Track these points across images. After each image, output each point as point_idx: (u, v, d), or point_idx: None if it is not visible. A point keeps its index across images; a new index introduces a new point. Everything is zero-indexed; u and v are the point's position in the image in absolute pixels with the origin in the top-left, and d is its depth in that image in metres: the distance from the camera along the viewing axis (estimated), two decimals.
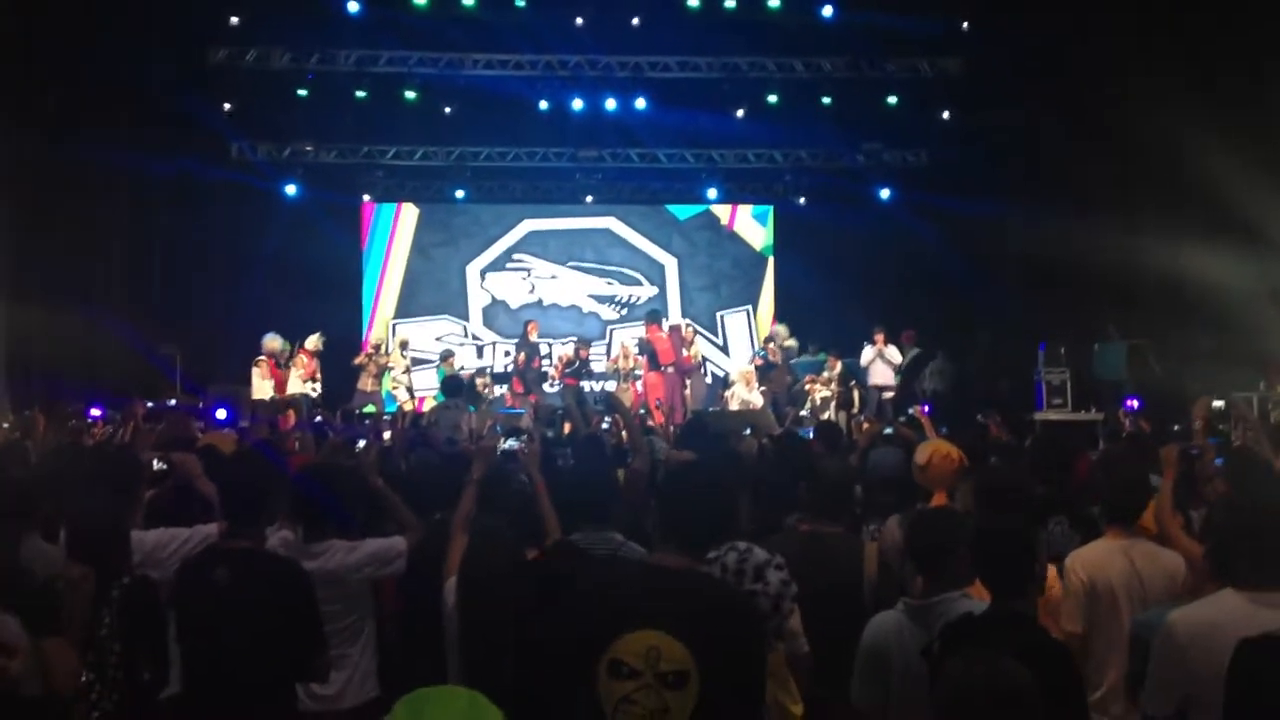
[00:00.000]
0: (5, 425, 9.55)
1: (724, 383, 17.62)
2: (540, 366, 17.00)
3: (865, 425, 11.62)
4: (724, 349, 19.94)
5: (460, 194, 19.46)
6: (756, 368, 16.54)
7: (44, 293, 13.69)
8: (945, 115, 18.03)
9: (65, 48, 14.03)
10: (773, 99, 17.84)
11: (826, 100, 18.01)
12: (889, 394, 16.03)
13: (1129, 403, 12.62)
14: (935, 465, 5.44)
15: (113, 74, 14.67)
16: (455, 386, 13.12)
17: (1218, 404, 5.64)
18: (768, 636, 3.17)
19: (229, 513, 4.21)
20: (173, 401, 11.77)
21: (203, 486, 5.02)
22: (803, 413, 13.37)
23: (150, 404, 8.90)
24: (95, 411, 11.09)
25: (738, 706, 3.02)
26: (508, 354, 17.86)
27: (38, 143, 13.58)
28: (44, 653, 3.22)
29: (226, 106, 17.18)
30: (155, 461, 5.56)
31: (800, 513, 4.83)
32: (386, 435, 9.10)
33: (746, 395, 15.79)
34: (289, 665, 3.89)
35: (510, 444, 5.53)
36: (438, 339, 19.41)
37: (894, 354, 16.30)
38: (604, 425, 9.73)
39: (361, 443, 6.29)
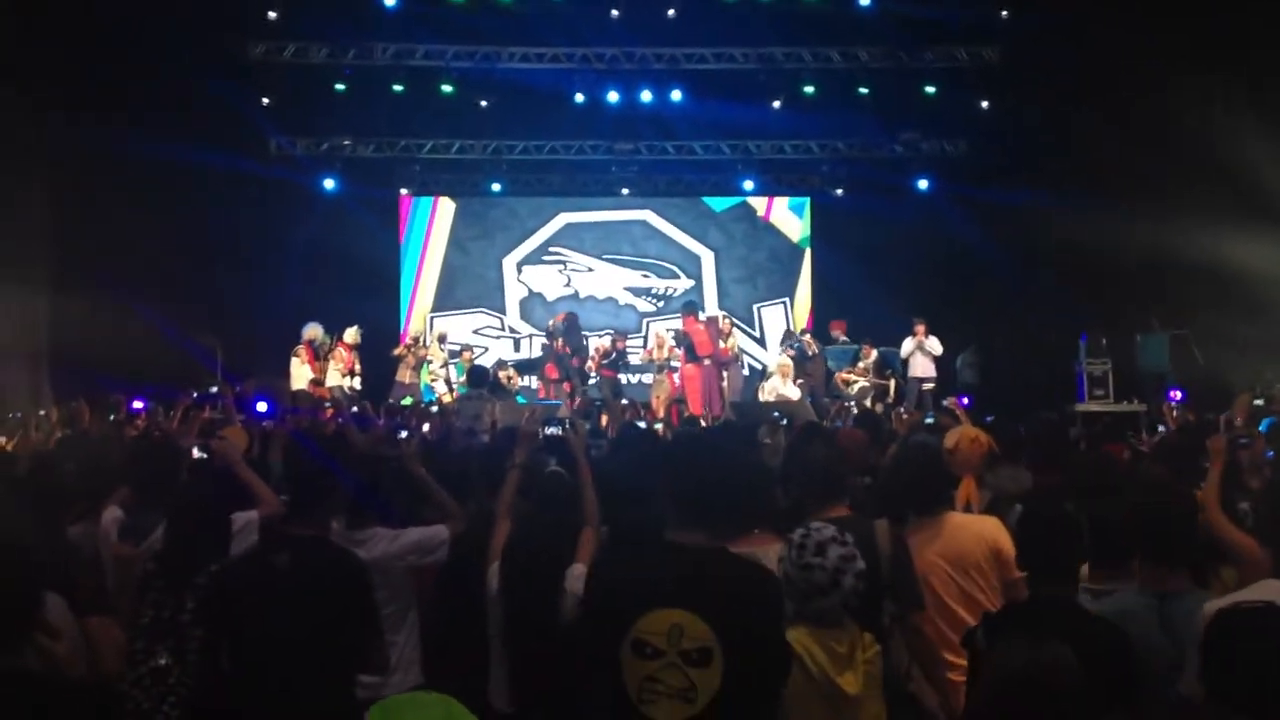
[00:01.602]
0: (52, 417, 9.65)
1: (761, 375, 17.57)
2: (581, 361, 16.95)
3: (905, 416, 11.57)
4: (760, 341, 19.87)
5: (496, 187, 19.50)
6: (792, 359, 16.48)
7: (85, 285, 13.85)
8: (984, 104, 17.86)
9: (107, 40, 14.18)
10: (809, 89, 17.76)
11: (864, 90, 17.90)
12: (929, 385, 15.93)
13: (1172, 394, 12.49)
14: (963, 449, 5.46)
15: (153, 67, 14.81)
16: (480, 377, 13.17)
17: (1258, 401, 5.58)
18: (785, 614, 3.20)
19: (295, 500, 4.22)
20: (214, 390, 11.87)
21: (241, 472, 5.06)
22: (848, 404, 13.26)
23: (196, 395, 8.97)
24: (138, 404, 11.19)
25: (761, 683, 3.05)
26: (544, 347, 17.87)
27: (78, 135, 13.73)
28: (91, 631, 3.25)
29: (265, 101, 17.29)
30: (195, 449, 5.60)
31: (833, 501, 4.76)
32: (425, 427, 9.16)
33: (782, 388, 15.72)
34: (346, 654, 3.88)
35: (553, 430, 5.52)
36: (475, 332, 19.49)
37: (935, 345, 16.20)
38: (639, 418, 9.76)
39: (404, 434, 6.34)
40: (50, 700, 2.55)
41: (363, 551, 4.41)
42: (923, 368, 16.18)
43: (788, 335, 18.01)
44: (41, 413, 10.18)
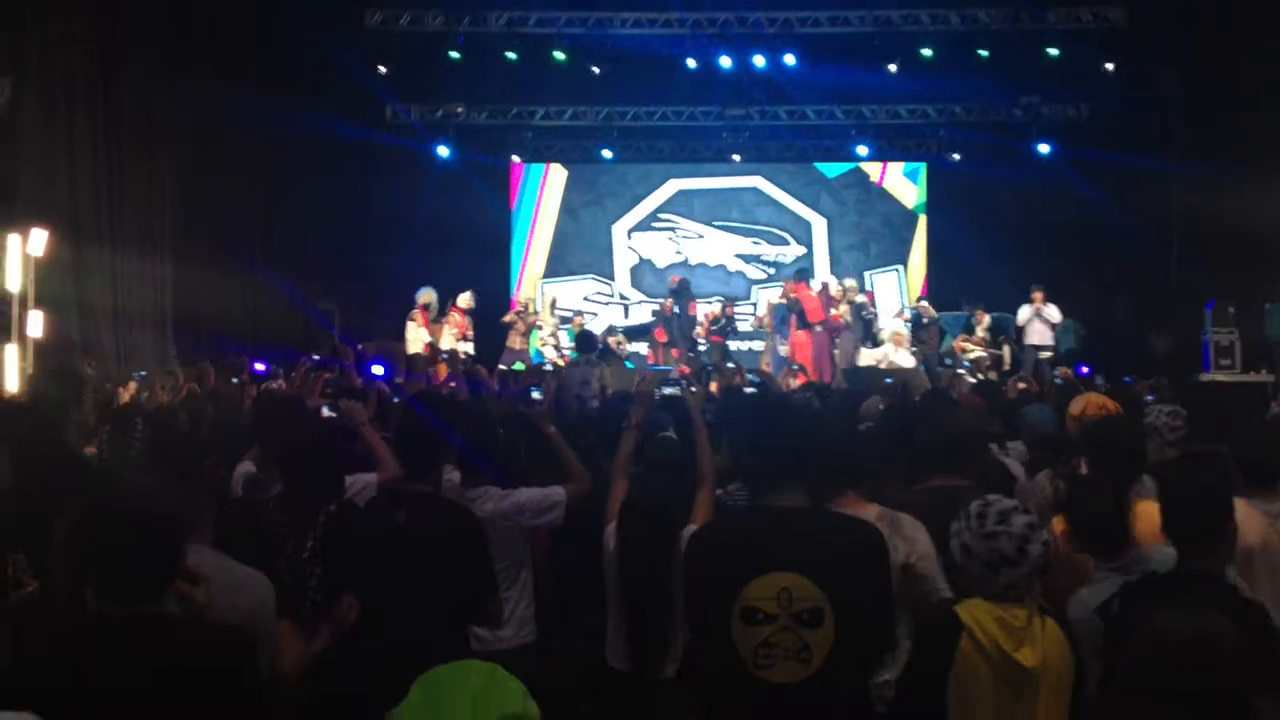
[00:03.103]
0: (179, 377, 9.97)
1: (874, 342, 17.34)
2: (695, 314, 16.93)
3: (1020, 384, 11.36)
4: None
5: (608, 154, 19.52)
6: (908, 323, 16.26)
7: (208, 251, 14.24)
8: (1108, 67, 17.29)
9: (227, 10, 14.51)
10: (927, 52, 17.37)
11: (983, 53, 17.45)
12: (1046, 354, 15.59)
13: None
14: (1090, 417, 5.27)
15: (272, 37, 15.13)
16: (588, 342, 13.19)
17: None
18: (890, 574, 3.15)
19: (406, 458, 4.31)
20: (335, 348, 12.20)
21: (367, 435, 5.15)
22: (960, 370, 13.05)
23: (316, 357, 9.20)
24: (260, 366, 11.50)
25: (873, 641, 3.05)
26: (655, 313, 17.89)
27: (201, 103, 14.09)
28: (277, 632, 3.35)
29: (381, 69, 17.53)
30: (324, 409, 5.71)
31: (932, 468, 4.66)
32: (535, 394, 9.24)
33: (895, 356, 15.53)
34: (461, 607, 3.97)
35: (670, 390, 5.52)
36: (585, 298, 19.60)
37: (1053, 313, 15.83)
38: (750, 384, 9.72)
39: (536, 393, 6.42)
40: (187, 643, 2.64)
41: (472, 509, 4.49)
42: (1040, 335, 15.82)
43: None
44: (169, 372, 10.53)
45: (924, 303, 17.16)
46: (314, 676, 3.65)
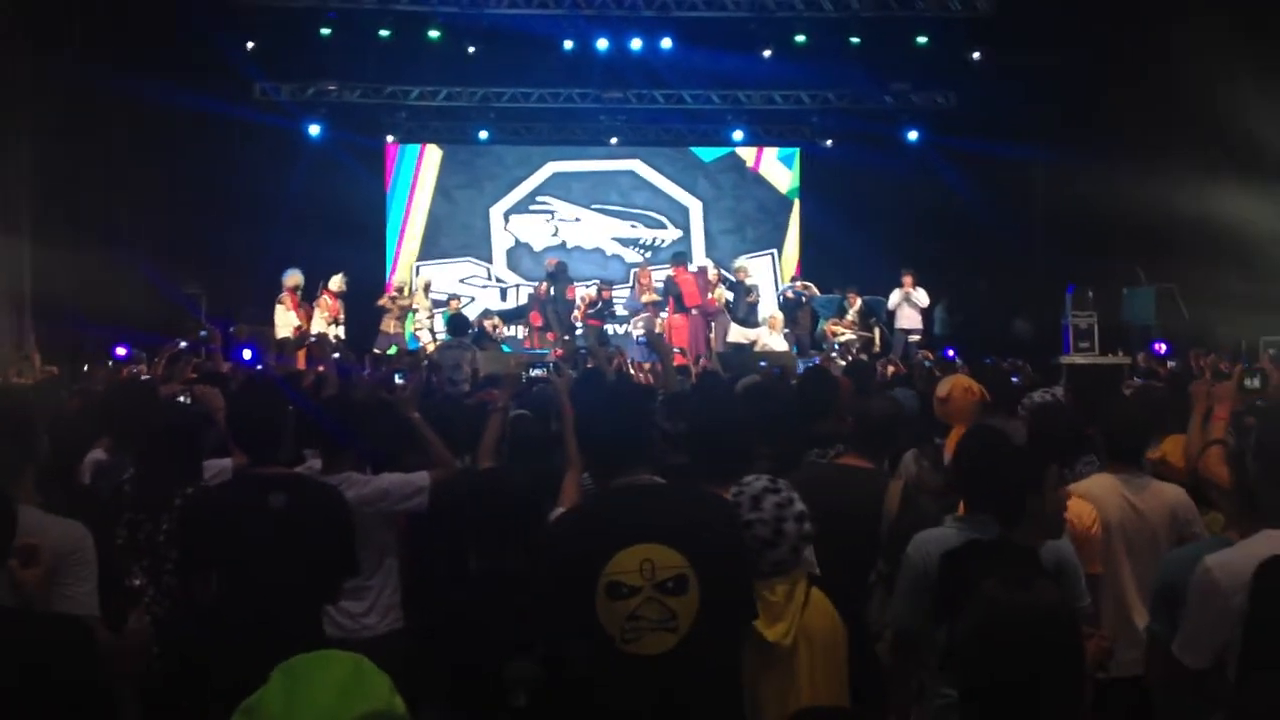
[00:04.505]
0: (35, 362, 9.60)
1: (754, 323, 17.52)
2: (573, 298, 16.90)
3: (890, 368, 11.60)
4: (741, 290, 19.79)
5: (484, 135, 19.34)
6: (785, 300, 16.47)
7: (68, 231, 13.70)
8: (975, 55, 17.70)
9: None
10: (800, 39, 17.53)
11: (855, 40, 17.69)
12: (915, 337, 15.97)
13: (1156, 347, 12.51)
14: (956, 398, 5.41)
15: (136, 8, 14.59)
16: (460, 325, 13.05)
17: (1251, 382, 5.50)
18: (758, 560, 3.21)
19: (242, 444, 4.23)
20: (204, 334, 11.85)
21: (223, 420, 5.03)
22: (832, 354, 13.27)
23: (184, 344, 8.93)
24: (120, 350, 11.14)
25: (736, 607, 3.09)
26: (530, 296, 17.80)
27: (60, 78, 13.54)
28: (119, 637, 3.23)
29: (249, 45, 17.05)
30: (180, 396, 5.57)
31: (842, 445, 4.85)
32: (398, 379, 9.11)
33: (769, 340, 15.72)
34: (321, 589, 4.00)
35: (537, 372, 5.51)
36: (461, 281, 19.40)
37: (922, 297, 16.23)
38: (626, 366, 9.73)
39: (399, 379, 6.35)
40: (15, 636, 2.53)
41: None
42: (909, 319, 16.21)
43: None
44: (24, 356, 10.13)
45: (801, 282, 17.41)
46: (165, 654, 3.60)
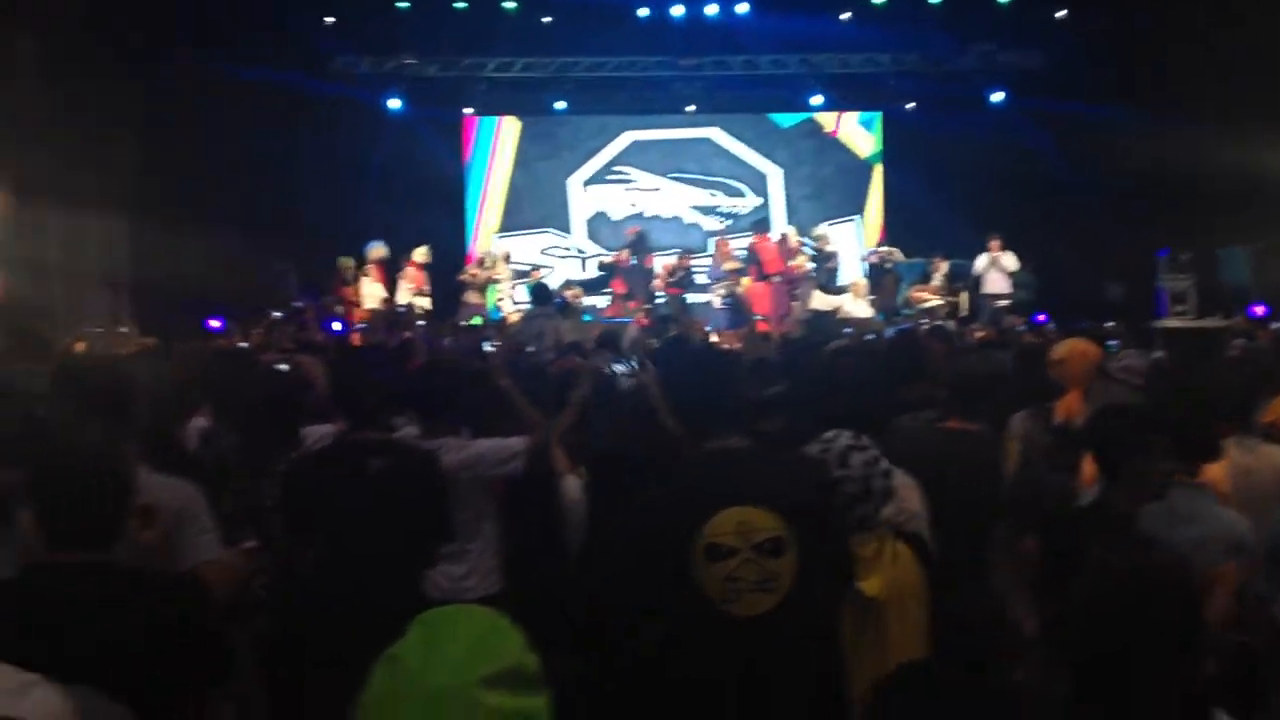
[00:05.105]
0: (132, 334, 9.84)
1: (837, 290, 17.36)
2: (651, 266, 16.88)
3: (979, 332, 11.44)
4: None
5: (561, 105, 19.32)
6: (871, 266, 16.29)
7: (162, 209, 13.97)
8: (1062, 14, 17.28)
9: None
10: (878, 0, 17.30)
11: (935, 1, 17.39)
12: (1004, 302, 15.68)
13: (1254, 309, 12.18)
14: (1073, 361, 5.28)
15: None
16: (543, 294, 13.04)
17: None
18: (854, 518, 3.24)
19: (346, 410, 4.29)
20: (300, 304, 12.08)
21: (321, 389, 5.11)
22: (921, 321, 13.12)
23: (277, 314, 9.12)
24: (214, 322, 11.38)
25: (834, 566, 3.11)
26: (605, 265, 17.79)
27: (151, 60, 13.79)
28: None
29: (328, 20, 17.20)
30: (279, 365, 5.66)
31: (934, 412, 4.80)
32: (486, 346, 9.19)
33: (851, 307, 15.55)
34: (420, 553, 4.04)
35: (619, 368, 5.51)
36: (542, 252, 19.46)
37: (1010, 261, 15.91)
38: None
39: (489, 346, 6.42)
40: (134, 593, 2.59)
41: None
42: (996, 284, 15.90)
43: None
44: (122, 330, 10.37)
45: (888, 248, 17.21)
46: (273, 616, 3.66)
